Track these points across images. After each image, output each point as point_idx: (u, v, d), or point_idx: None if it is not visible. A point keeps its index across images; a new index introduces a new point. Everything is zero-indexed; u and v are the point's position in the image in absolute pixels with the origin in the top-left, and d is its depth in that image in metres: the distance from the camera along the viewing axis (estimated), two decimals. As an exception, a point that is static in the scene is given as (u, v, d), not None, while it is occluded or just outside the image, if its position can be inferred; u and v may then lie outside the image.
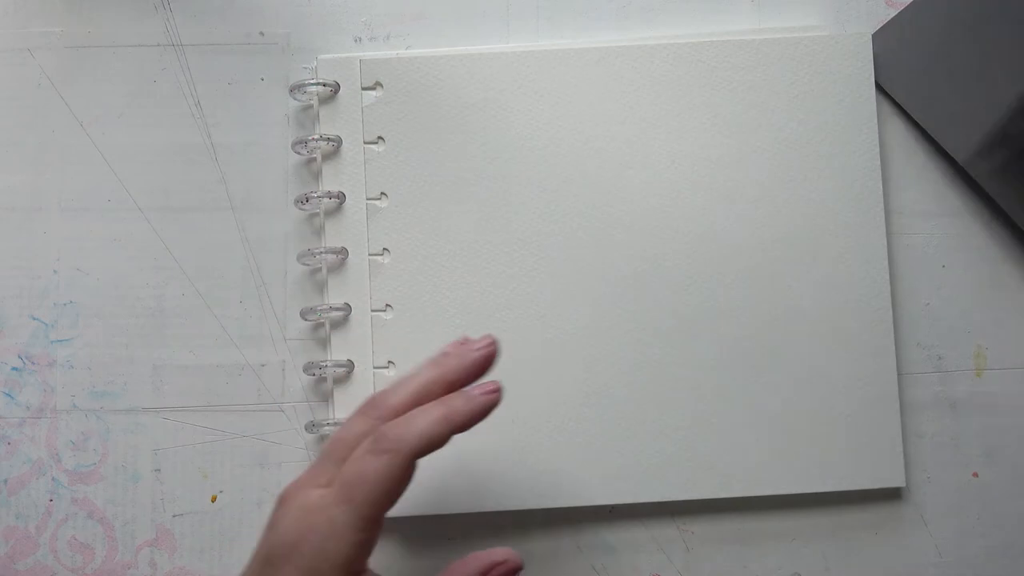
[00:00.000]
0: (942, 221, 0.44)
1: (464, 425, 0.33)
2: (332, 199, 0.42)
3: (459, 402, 0.34)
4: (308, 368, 0.42)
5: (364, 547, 0.33)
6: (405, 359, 0.42)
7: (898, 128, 0.44)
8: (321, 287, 0.43)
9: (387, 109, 0.43)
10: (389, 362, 0.42)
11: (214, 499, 0.43)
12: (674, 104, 0.43)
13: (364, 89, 0.43)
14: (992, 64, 0.43)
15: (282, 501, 0.34)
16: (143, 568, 0.42)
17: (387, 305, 0.42)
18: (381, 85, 0.43)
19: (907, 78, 0.44)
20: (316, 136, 0.42)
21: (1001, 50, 0.43)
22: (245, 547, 0.43)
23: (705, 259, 0.42)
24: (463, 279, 0.42)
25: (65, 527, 0.43)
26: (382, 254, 0.42)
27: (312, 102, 0.43)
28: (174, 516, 0.43)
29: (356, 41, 0.45)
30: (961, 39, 0.44)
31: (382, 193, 0.42)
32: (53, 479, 0.43)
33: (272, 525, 0.34)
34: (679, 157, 0.42)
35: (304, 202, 0.42)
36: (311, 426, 0.42)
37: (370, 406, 0.35)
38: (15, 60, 0.44)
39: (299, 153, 0.43)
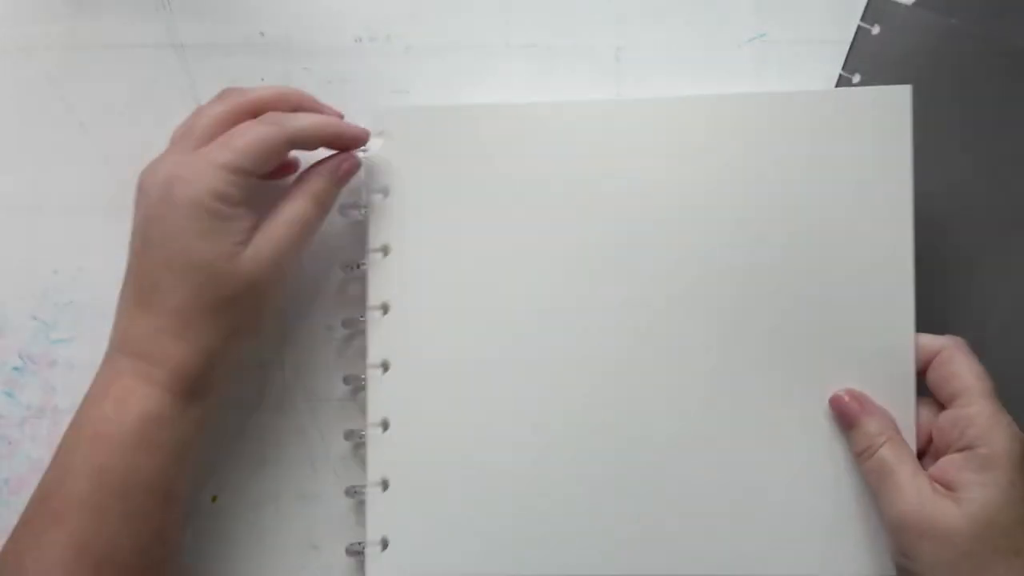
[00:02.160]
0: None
1: (340, 141, 0.39)
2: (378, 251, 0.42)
3: (336, 120, 0.40)
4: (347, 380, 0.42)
5: (236, 189, 0.36)
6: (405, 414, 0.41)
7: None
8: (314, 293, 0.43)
9: (392, 159, 0.41)
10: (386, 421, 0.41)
11: (214, 499, 0.43)
12: (691, 161, 0.40)
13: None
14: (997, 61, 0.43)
15: (147, 172, 0.37)
16: (143, 567, 0.42)
17: (384, 362, 0.41)
18: (386, 135, 0.41)
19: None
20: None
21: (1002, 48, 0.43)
22: (246, 547, 0.43)
23: (720, 316, 0.40)
24: (466, 335, 0.41)
25: (66, 526, 0.43)
26: (379, 310, 0.41)
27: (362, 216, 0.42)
28: (174, 516, 0.43)
29: (356, 41, 0.45)
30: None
31: (385, 246, 0.41)
32: (54, 479, 0.43)
33: (142, 191, 0.37)
34: (694, 214, 0.40)
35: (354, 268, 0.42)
36: (346, 432, 0.42)
37: (233, 92, 0.39)
38: (16, 60, 0.44)
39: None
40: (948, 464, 0.36)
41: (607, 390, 0.40)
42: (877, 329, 0.39)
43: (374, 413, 0.41)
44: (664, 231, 0.40)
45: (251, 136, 0.36)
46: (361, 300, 0.43)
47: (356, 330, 0.43)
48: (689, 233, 0.40)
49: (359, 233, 0.42)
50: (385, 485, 0.41)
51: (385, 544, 0.40)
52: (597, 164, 0.41)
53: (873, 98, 0.40)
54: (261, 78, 0.44)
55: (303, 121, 0.38)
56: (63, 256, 0.44)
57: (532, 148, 0.41)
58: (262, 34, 0.45)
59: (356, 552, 0.41)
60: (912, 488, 0.36)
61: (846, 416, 0.39)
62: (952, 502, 0.35)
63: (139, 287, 0.37)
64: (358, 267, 0.42)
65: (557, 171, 0.41)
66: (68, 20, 0.45)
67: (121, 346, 0.37)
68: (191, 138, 0.37)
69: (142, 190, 0.37)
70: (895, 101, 0.39)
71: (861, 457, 0.38)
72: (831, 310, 0.40)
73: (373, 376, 0.41)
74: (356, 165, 0.40)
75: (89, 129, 0.44)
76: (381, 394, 0.41)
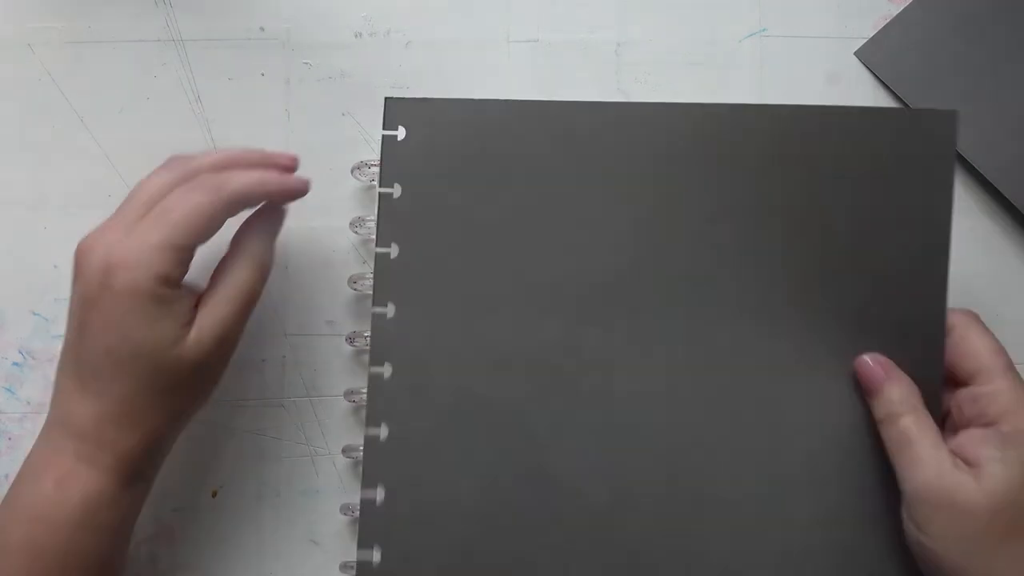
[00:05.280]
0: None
1: (275, 195, 0.37)
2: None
3: (273, 174, 0.37)
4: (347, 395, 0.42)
5: (177, 269, 0.35)
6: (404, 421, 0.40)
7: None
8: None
9: (406, 153, 0.40)
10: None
11: (215, 494, 0.43)
12: (712, 168, 0.40)
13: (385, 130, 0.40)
14: (999, 58, 0.43)
15: (84, 250, 0.35)
16: (143, 563, 0.42)
17: (386, 365, 0.40)
18: (403, 127, 0.40)
19: (912, 75, 0.44)
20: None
21: (1008, 44, 0.43)
22: (246, 542, 0.43)
23: (731, 321, 0.40)
24: (471, 341, 0.40)
25: (66, 522, 0.43)
26: (386, 308, 0.40)
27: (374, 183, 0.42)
28: (174, 511, 0.43)
29: (356, 36, 0.45)
30: (967, 34, 0.44)
31: (392, 243, 0.40)
32: (54, 474, 0.43)
33: (79, 272, 0.35)
34: (710, 220, 0.40)
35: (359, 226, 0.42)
36: (348, 449, 0.42)
37: (175, 161, 0.37)
38: (16, 55, 0.44)
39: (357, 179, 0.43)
40: (967, 439, 0.36)
41: (625, 391, 0.39)
42: (909, 307, 0.39)
43: (372, 420, 0.40)
44: (690, 223, 0.39)
45: (187, 208, 0.34)
46: (362, 293, 0.43)
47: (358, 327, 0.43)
48: (718, 230, 0.39)
49: (362, 201, 0.42)
50: (381, 493, 0.40)
51: (380, 554, 0.39)
52: (615, 163, 0.40)
53: (919, 118, 0.39)
54: (261, 73, 0.44)
55: (240, 181, 0.36)
56: (63, 251, 0.43)
57: (545, 145, 0.40)
58: (262, 29, 0.45)
59: (349, 567, 0.40)
60: (932, 460, 0.35)
61: (870, 381, 0.38)
62: (971, 477, 0.34)
63: (79, 370, 0.35)
64: (363, 225, 0.41)
65: (570, 169, 0.40)
66: (68, 15, 0.45)
67: (62, 426, 0.35)
68: (131, 211, 0.35)
69: (78, 269, 0.35)
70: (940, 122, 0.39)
71: (883, 424, 0.37)
72: (864, 285, 0.39)
73: (374, 380, 0.40)
74: (283, 215, 0.39)
75: (89, 124, 0.44)
76: (381, 400, 0.40)
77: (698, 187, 0.40)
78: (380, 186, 0.40)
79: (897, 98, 0.44)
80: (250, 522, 0.43)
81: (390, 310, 0.40)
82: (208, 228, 0.35)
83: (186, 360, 0.35)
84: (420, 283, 0.40)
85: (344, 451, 0.42)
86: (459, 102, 0.40)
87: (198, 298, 0.36)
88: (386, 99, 0.40)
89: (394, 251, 0.40)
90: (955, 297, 0.44)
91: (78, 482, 0.34)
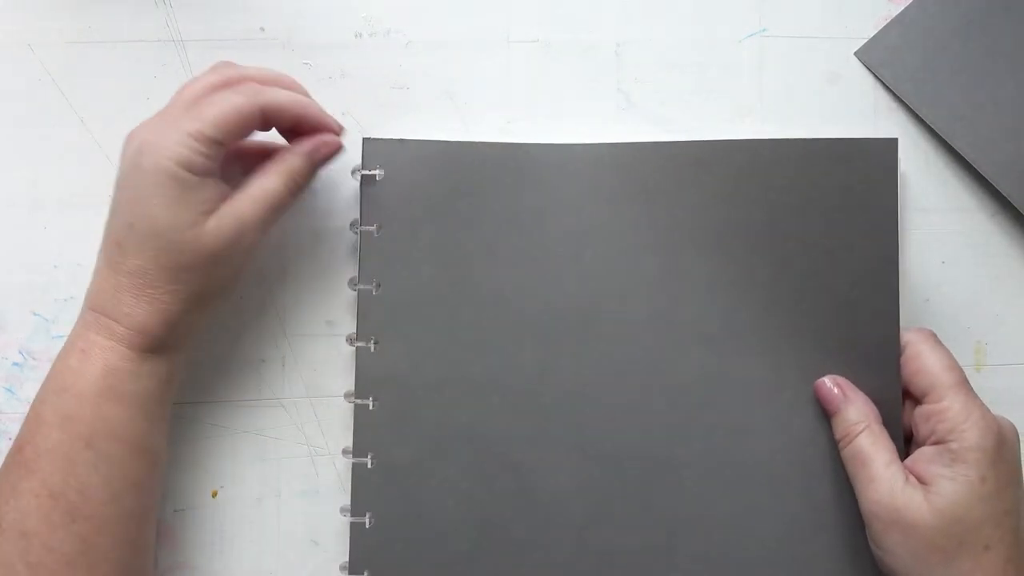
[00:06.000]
0: (942, 216, 0.44)
1: (309, 118, 0.39)
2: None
3: (314, 106, 0.39)
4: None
5: (200, 157, 0.36)
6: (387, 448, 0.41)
7: (899, 124, 0.44)
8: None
9: (384, 191, 0.41)
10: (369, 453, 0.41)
11: (215, 494, 0.43)
12: (684, 205, 0.41)
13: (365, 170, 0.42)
14: (999, 58, 0.43)
15: (128, 137, 0.38)
16: (144, 563, 0.43)
17: (372, 396, 0.41)
18: (380, 167, 0.41)
19: (912, 75, 0.44)
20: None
21: (1007, 44, 0.43)
22: (246, 542, 0.43)
23: (698, 347, 0.41)
24: (451, 372, 0.41)
25: (66, 522, 0.43)
26: (369, 342, 0.41)
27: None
28: (175, 511, 0.43)
29: (357, 36, 0.45)
30: (967, 34, 0.44)
31: (376, 282, 0.41)
32: (54, 474, 0.43)
33: (121, 154, 0.38)
34: (675, 251, 0.41)
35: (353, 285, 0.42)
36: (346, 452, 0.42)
37: (222, 66, 0.39)
38: (16, 55, 0.44)
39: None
40: (920, 457, 0.37)
41: (598, 415, 0.41)
42: (864, 325, 0.40)
43: (359, 446, 0.41)
44: (656, 254, 0.41)
45: (222, 105, 0.36)
46: (361, 295, 0.43)
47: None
48: (682, 261, 0.41)
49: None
50: (370, 519, 0.41)
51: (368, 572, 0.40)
52: (591, 204, 0.41)
53: (862, 146, 0.41)
54: (261, 73, 0.44)
55: (278, 95, 0.38)
56: (63, 252, 0.44)
57: (516, 184, 0.41)
58: (262, 29, 0.45)
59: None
60: (884, 478, 0.36)
61: (829, 402, 0.39)
62: (922, 495, 0.36)
63: (108, 247, 0.37)
64: (358, 227, 0.42)
65: (540, 205, 0.41)
66: (68, 16, 0.45)
67: (89, 302, 0.37)
68: (175, 108, 0.38)
69: (122, 152, 0.38)
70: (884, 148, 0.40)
71: (841, 443, 0.39)
72: (821, 309, 0.40)
73: (360, 412, 0.41)
74: (337, 148, 0.40)
75: (89, 125, 0.44)
76: (367, 430, 0.41)
77: (662, 220, 0.41)
78: (360, 224, 0.41)
79: (897, 98, 0.44)
80: (250, 522, 0.43)
81: (373, 344, 0.41)
82: (237, 127, 0.37)
83: (200, 245, 0.36)
84: (401, 317, 0.41)
85: (344, 451, 0.42)
86: (433, 143, 0.42)
87: (226, 193, 0.38)
88: (364, 139, 0.41)
89: (375, 287, 0.41)
90: (955, 298, 0.44)
91: (98, 352, 0.36)
